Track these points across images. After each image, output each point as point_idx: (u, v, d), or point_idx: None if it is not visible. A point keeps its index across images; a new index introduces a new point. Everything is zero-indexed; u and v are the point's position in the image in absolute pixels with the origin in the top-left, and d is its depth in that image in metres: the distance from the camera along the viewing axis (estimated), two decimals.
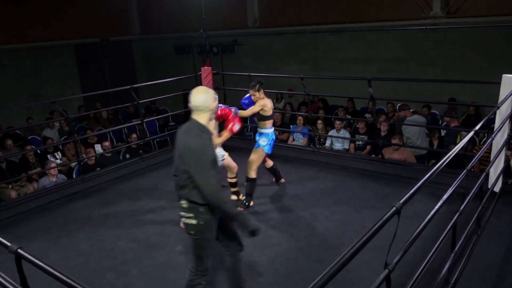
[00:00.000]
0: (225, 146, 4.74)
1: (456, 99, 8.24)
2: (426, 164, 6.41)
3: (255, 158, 4.55)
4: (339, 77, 9.65)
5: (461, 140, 6.10)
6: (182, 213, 2.65)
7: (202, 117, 2.62)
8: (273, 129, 4.67)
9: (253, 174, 4.52)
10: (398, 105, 7.26)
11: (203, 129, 2.61)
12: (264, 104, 4.50)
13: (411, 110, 6.93)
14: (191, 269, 2.75)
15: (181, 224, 4.05)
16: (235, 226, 2.76)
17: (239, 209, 4.40)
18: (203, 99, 2.60)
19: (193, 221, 2.61)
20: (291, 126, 8.25)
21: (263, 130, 4.62)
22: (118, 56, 13.71)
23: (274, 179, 5.15)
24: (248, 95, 4.70)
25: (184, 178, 2.56)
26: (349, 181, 5.13)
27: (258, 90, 4.52)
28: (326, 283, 1.45)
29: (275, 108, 5.70)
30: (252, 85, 4.55)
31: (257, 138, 4.71)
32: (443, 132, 7.00)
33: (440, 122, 7.90)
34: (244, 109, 4.69)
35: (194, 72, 8.81)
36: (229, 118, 4.36)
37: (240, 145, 6.78)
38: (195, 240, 2.67)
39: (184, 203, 2.63)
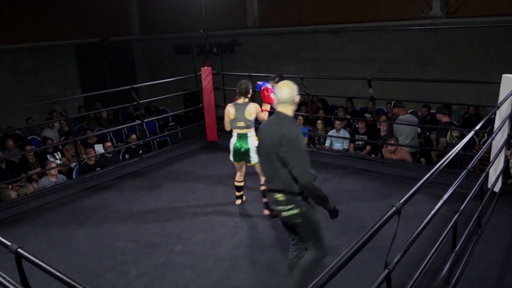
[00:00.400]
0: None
1: (456, 99, 8.23)
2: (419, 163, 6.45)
3: None
4: (339, 77, 9.65)
5: (451, 135, 6.27)
6: (280, 207, 2.72)
7: (288, 110, 2.76)
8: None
9: None
10: (393, 102, 7.26)
11: (292, 120, 2.78)
12: None
13: (410, 111, 6.94)
14: (314, 253, 2.79)
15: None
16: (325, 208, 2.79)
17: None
18: (289, 93, 2.73)
19: (296, 211, 2.69)
20: None
21: None
22: (118, 56, 13.72)
23: None
24: (262, 82, 4.87)
25: (281, 169, 2.63)
26: (349, 181, 5.13)
27: (277, 83, 4.68)
28: (326, 283, 1.45)
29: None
30: (272, 77, 4.81)
31: None
32: None
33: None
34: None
35: (194, 72, 8.82)
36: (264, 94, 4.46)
37: None
38: (307, 224, 2.74)
39: (280, 196, 2.69)
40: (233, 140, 4.39)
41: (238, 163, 4.48)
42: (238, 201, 4.70)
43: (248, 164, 4.43)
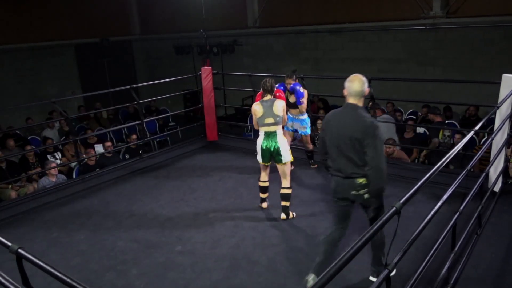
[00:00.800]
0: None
1: (456, 99, 8.25)
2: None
3: (306, 138, 5.51)
4: (339, 77, 9.63)
5: (443, 134, 6.33)
6: (363, 191, 2.84)
7: (359, 101, 2.86)
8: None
9: (310, 147, 5.59)
10: (370, 103, 7.26)
11: (366, 112, 2.88)
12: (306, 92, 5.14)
13: (410, 111, 6.97)
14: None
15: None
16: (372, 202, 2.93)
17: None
18: (360, 86, 2.82)
19: None
20: None
21: (303, 117, 5.32)
22: (118, 56, 13.73)
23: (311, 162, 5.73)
24: (279, 84, 5.05)
25: (362, 154, 2.75)
26: None
27: (296, 79, 5.00)
28: (326, 283, 1.45)
29: None
30: (288, 75, 4.98)
31: (302, 124, 5.34)
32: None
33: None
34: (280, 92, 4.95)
35: (194, 72, 8.83)
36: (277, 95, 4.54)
37: (241, 145, 6.80)
38: (381, 202, 2.93)
39: (363, 181, 2.83)
40: (260, 140, 4.19)
41: (266, 164, 4.29)
42: (265, 204, 4.48)
43: (278, 164, 4.20)
